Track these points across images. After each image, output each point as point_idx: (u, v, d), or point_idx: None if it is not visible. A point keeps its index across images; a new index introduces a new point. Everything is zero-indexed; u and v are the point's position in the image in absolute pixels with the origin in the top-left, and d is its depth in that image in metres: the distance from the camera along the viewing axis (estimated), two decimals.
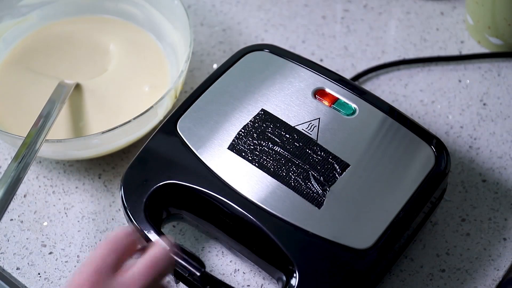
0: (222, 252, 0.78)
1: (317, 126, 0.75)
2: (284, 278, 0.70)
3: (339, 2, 0.97)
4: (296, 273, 0.68)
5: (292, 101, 0.77)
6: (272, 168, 0.73)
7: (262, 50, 0.82)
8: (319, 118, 0.76)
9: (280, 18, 0.96)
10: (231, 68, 0.80)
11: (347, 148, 0.74)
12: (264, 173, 0.73)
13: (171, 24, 0.89)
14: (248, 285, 0.76)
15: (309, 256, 0.69)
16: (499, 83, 0.89)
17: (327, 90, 0.78)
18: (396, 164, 0.74)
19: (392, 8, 0.96)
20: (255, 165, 0.73)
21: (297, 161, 0.73)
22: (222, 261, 0.78)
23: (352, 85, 0.79)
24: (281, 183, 0.72)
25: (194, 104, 0.78)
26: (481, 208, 0.80)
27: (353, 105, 0.77)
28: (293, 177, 0.72)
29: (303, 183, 0.72)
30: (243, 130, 0.75)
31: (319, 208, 0.71)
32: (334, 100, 0.77)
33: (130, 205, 0.73)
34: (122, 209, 0.74)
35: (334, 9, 0.96)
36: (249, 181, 0.72)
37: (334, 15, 0.95)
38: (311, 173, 0.72)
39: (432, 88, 0.89)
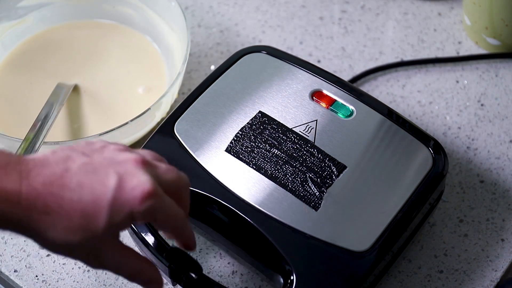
0: (220, 254, 0.78)
1: (314, 128, 0.75)
2: (282, 280, 0.70)
3: (337, 3, 0.96)
4: (293, 275, 0.68)
5: (290, 103, 0.77)
6: (270, 170, 0.73)
7: (259, 51, 0.81)
8: (317, 120, 0.76)
9: (277, 19, 0.96)
10: (228, 70, 0.80)
11: (345, 150, 0.74)
12: (261, 175, 0.73)
13: (168, 25, 0.88)
14: (246, 287, 0.76)
15: (306, 258, 0.69)
16: (497, 84, 0.89)
17: (325, 91, 0.78)
18: (393, 166, 0.74)
19: (389, 9, 0.96)
20: (252, 167, 0.73)
21: (294, 163, 0.73)
22: (220, 263, 0.78)
23: (350, 86, 0.79)
24: (278, 185, 0.72)
25: (191, 106, 0.78)
26: (479, 209, 0.80)
27: (351, 107, 0.77)
28: (290, 179, 0.72)
29: (300, 185, 0.72)
30: (240, 132, 0.75)
31: (316, 210, 0.71)
32: (332, 102, 0.77)
33: None
34: None
35: (331, 10, 0.96)
36: (247, 183, 0.72)
37: (331, 16, 0.95)
38: (308, 175, 0.72)
39: (429, 89, 0.89)
